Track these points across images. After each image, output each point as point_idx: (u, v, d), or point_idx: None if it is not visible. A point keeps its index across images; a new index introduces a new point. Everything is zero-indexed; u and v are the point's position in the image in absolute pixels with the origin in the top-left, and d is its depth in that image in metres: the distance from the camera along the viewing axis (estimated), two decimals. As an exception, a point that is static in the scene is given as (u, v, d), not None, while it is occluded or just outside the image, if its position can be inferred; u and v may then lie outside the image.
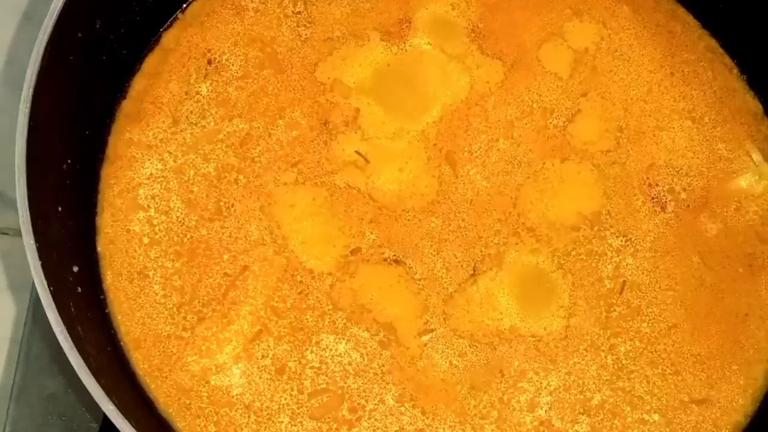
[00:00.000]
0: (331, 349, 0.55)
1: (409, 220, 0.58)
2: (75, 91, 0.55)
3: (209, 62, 0.60)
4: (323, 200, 0.57)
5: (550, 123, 0.60)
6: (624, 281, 0.57)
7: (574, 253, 0.58)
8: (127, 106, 0.59)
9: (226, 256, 0.56)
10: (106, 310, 0.56)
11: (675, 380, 0.56)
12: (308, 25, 0.61)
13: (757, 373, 0.57)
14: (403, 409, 0.55)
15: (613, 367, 0.56)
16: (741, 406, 0.56)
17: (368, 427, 0.54)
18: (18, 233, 0.50)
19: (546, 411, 0.55)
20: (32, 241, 0.50)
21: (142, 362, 0.55)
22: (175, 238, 0.57)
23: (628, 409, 0.55)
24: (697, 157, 0.60)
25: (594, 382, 0.56)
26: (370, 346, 0.55)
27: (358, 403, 0.55)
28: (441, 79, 0.60)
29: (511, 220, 0.58)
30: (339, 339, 0.55)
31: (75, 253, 0.55)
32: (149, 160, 0.58)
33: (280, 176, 0.58)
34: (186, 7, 0.62)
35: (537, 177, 0.59)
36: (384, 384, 0.55)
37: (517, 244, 0.57)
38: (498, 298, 0.56)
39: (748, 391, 0.56)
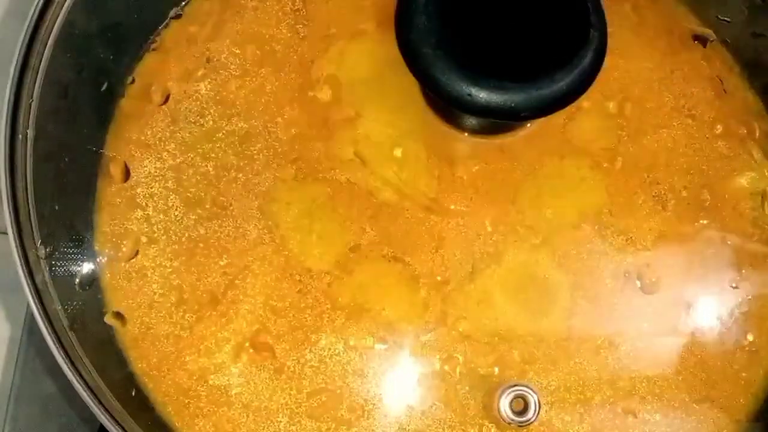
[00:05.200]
0: (329, 349, 0.55)
1: (408, 218, 0.57)
2: (73, 89, 0.55)
3: (208, 61, 0.60)
4: (322, 198, 0.57)
5: (550, 121, 0.60)
6: (625, 280, 0.57)
7: (574, 251, 0.57)
8: (125, 105, 0.59)
9: (224, 255, 0.56)
10: (104, 310, 0.56)
11: (675, 380, 0.56)
12: (306, 22, 0.61)
13: (757, 372, 0.57)
14: (402, 408, 0.55)
15: (614, 367, 0.56)
16: (742, 405, 0.56)
17: (367, 427, 0.54)
18: (15, 232, 0.50)
19: (546, 411, 0.55)
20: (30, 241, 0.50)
21: (140, 361, 0.55)
22: (174, 237, 0.57)
23: (630, 409, 0.55)
24: (698, 155, 0.60)
25: (594, 382, 0.56)
26: (369, 345, 0.55)
27: (357, 403, 0.54)
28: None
29: (510, 219, 0.58)
30: (338, 338, 0.55)
31: (73, 253, 0.55)
32: (148, 159, 0.58)
33: (279, 174, 0.58)
34: (185, 6, 0.61)
35: (537, 175, 0.59)
36: (383, 383, 0.55)
37: (516, 242, 0.57)
38: (497, 297, 0.56)
39: (749, 391, 0.56)
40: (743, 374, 0.57)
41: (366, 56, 0.60)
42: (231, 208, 0.57)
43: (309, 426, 0.54)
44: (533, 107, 0.50)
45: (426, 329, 0.56)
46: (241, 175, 0.58)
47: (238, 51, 0.60)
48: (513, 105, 0.49)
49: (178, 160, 0.58)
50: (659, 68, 0.62)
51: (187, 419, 0.54)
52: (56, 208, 0.53)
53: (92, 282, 0.56)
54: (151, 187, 0.57)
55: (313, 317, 0.55)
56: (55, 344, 0.49)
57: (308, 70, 0.60)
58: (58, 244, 0.53)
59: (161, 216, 0.57)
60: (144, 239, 0.57)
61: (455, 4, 0.50)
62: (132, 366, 0.55)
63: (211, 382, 0.55)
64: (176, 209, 0.57)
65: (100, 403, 0.50)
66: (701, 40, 0.62)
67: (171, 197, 0.57)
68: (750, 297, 0.58)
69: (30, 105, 0.52)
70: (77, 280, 0.55)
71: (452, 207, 0.58)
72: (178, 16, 0.61)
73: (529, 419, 0.54)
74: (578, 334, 0.56)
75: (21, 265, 0.50)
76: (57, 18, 0.53)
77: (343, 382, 0.55)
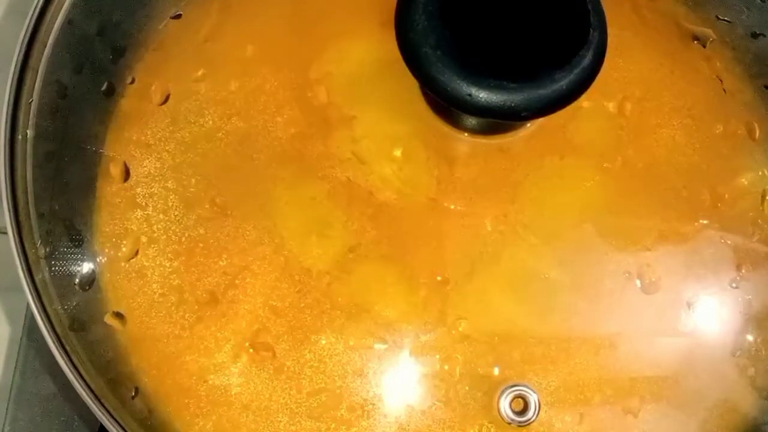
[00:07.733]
0: (329, 348, 0.55)
1: (407, 218, 0.57)
2: (73, 89, 0.55)
3: (208, 61, 0.60)
4: (321, 198, 0.57)
5: (550, 121, 0.60)
6: (625, 280, 0.57)
7: (574, 251, 0.57)
8: (125, 105, 0.59)
9: (224, 255, 0.56)
10: (104, 310, 0.56)
11: (675, 380, 0.56)
12: (306, 22, 0.61)
13: (757, 372, 0.56)
14: (402, 408, 0.55)
15: (614, 367, 0.56)
16: (742, 406, 0.56)
17: (367, 427, 0.54)
18: (14, 232, 0.50)
19: (546, 411, 0.55)
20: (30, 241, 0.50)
21: (140, 361, 0.55)
22: (174, 237, 0.57)
23: (630, 409, 0.55)
24: (698, 155, 0.60)
25: (595, 382, 0.56)
26: (368, 345, 0.55)
27: (357, 403, 0.54)
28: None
29: (510, 218, 0.58)
30: (337, 338, 0.55)
31: (73, 253, 0.55)
32: (148, 158, 0.58)
33: (279, 173, 0.58)
34: (185, 6, 0.61)
35: (536, 175, 0.58)
36: (383, 383, 0.55)
37: (515, 242, 0.57)
38: (496, 297, 0.56)
39: (749, 391, 0.56)
40: (743, 374, 0.57)
41: (365, 56, 0.60)
42: (231, 208, 0.57)
43: (309, 426, 0.54)
44: (533, 107, 0.50)
45: (425, 329, 0.55)
46: (241, 175, 0.58)
47: (237, 51, 0.60)
48: (513, 105, 0.49)
49: (178, 160, 0.58)
50: (659, 68, 0.62)
51: (187, 419, 0.54)
52: (56, 207, 0.53)
53: (92, 282, 0.56)
54: (151, 187, 0.57)
55: (312, 317, 0.55)
56: (55, 344, 0.50)
57: (307, 70, 0.60)
58: (58, 244, 0.53)
59: (161, 216, 0.57)
60: (144, 239, 0.56)
61: (455, 4, 0.50)
62: (132, 366, 0.55)
63: (211, 382, 0.54)
64: (176, 209, 0.57)
65: (100, 403, 0.50)
66: (701, 40, 0.62)
67: (171, 197, 0.57)
68: (750, 297, 0.58)
69: (30, 105, 0.52)
70: (77, 280, 0.55)
71: (452, 207, 0.58)
72: (178, 16, 0.61)
73: (529, 419, 0.54)
74: (578, 334, 0.56)
75: (21, 264, 0.50)
76: (57, 18, 0.53)
77: (343, 382, 0.55)
